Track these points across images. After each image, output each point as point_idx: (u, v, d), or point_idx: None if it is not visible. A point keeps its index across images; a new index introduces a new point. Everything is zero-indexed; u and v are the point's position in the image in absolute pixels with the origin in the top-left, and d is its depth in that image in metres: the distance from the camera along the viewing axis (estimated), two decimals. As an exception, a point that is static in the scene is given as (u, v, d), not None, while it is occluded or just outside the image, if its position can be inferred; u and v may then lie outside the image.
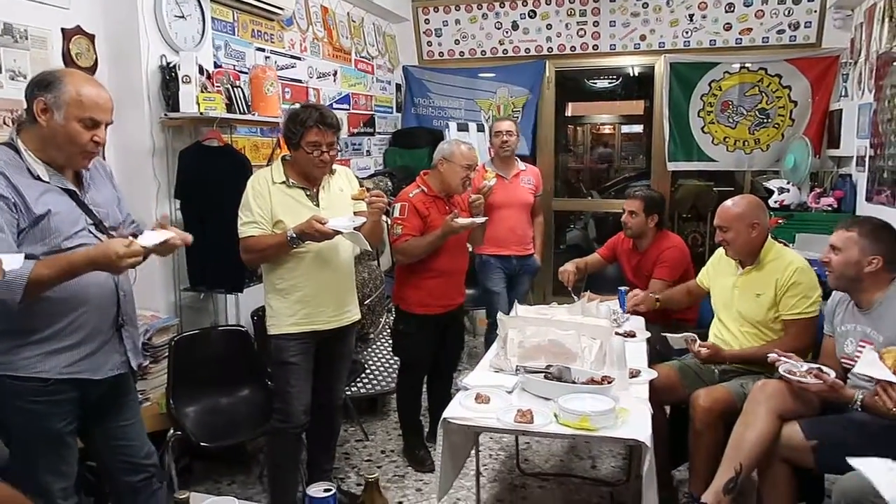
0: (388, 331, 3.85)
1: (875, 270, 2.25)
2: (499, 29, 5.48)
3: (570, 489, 2.97)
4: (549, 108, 5.68)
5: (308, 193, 2.53)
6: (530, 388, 2.26)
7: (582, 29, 5.27)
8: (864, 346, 2.26)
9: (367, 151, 5.33)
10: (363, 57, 5.15)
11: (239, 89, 3.28)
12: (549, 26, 5.34)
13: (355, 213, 2.56)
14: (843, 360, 2.36)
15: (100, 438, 2.06)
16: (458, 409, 2.13)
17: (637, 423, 2.00)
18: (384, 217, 2.92)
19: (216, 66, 3.42)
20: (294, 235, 2.39)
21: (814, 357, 2.53)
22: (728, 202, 2.76)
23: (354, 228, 2.40)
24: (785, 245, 4.18)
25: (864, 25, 4.31)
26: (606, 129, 10.41)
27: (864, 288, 2.28)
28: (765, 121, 5.00)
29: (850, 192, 4.41)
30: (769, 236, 2.75)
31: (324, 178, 2.57)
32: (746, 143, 5.06)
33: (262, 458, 3.06)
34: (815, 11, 4.74)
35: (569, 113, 9.39)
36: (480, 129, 5.38)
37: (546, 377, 2.26)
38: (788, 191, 4.62)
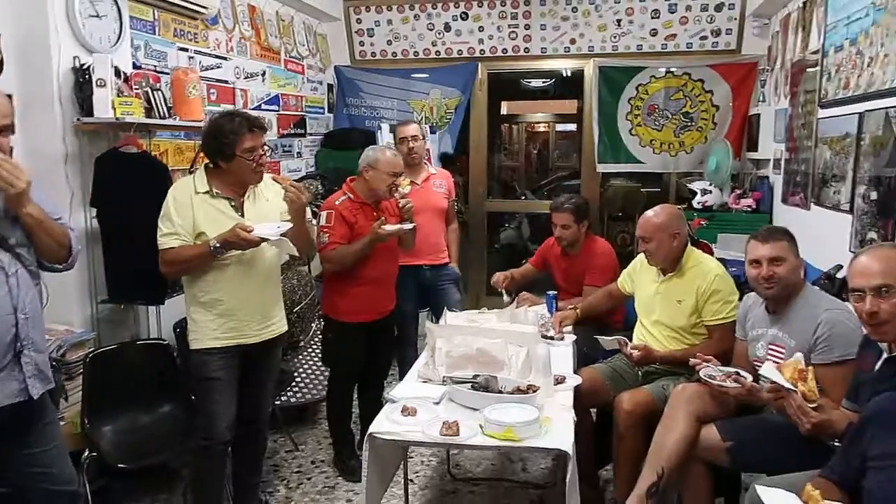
0: (319, 337, 3.80)
1: (800, 273, 2.35)
2: (431, 30, 5.46)
3: (500, 493, 3.00)
4: (481, 110, 5.71)
5: (233, 204, 2.46)
6: (457, 399, 2.27)
7: (513, 32, 5.31)
8: (773, 349, 2.36)
9: (298, 153, 5.24)
10: (293, 57, 5.05)
11: (159, 92, 3.16)
12: (481, 28, 5.36)
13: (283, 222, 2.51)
14: (754, 363, 2.45)
15: (14, 465, 1.94)
16: (385, 423, 2.12)
17: (560, 432, 2.03)
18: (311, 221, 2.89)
19: (135, 67, 3.29)
20: (217, 245, 2.32)
21: (727, 360, 2.62)
22: (649, 213, 2.83)
23: (281, 235, 2.35)
24: (707, 246, 4.37)
25: (780, 34, 4.49)
26: (541, 128, 10.58)
27: (788, 294, 2.35)
28: (689, 124, 5.16)
29: (768, 193, 4.60)
30: (688, 244, 2.83)
31: (249, 188, 2.50)
32: (672, 146, 5.21)
33: (186, 474, 2.97)
34: (735, 19, 4.91)
35: (504, 112, 9.50)
36: (413, 130, 5.35)
37: (472, 387, 2.27)
38: (711, 192, 4.78)
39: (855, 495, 1.54)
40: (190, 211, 2.38)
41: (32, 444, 1.95)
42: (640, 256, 2.98)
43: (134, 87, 3.06)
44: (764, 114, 4.76)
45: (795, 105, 4.09)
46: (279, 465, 3.30)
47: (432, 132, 5.48)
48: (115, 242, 2.95)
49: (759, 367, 2.39)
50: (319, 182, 4.62)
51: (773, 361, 2.33)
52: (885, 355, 1.83)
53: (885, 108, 2.88)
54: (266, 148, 2.46)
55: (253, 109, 4.56)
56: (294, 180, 4.74)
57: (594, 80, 5.18)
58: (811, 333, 2.21)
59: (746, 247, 2.42)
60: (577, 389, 2.50)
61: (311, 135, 5.42)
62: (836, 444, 1.86)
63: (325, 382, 3.54)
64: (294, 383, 3.66)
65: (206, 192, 2.42)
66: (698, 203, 4.74)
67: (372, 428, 2.09)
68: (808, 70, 3.86)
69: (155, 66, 3.52)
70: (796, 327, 2.28)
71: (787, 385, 1.89)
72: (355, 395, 3.33)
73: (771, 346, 2.37)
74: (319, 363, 3.75)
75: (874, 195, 2.96)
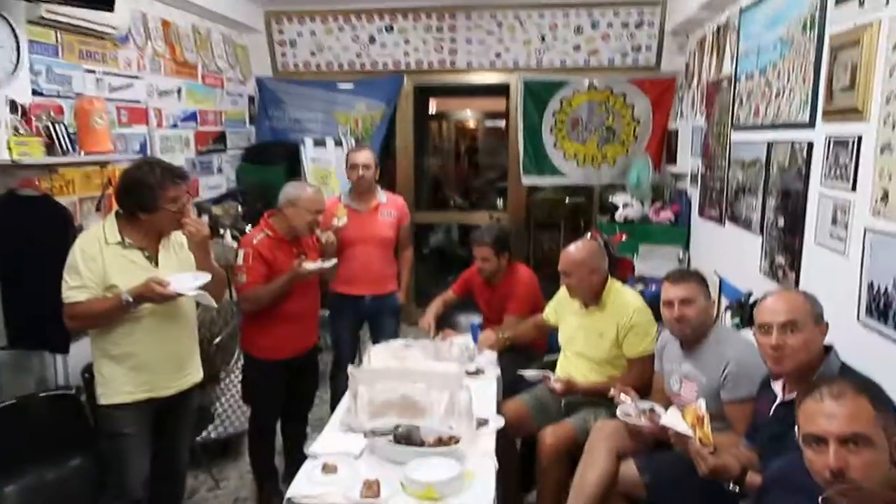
0: (240, 368, 3.69)
1: (711, 314, 2.43)
2: (356, 42, 5.38)
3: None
4: (407, 121, 5.66)
5: (147, 254, 2.36)
6: (379, 453, 2.24)
7: (440, 45, 5.29)
8: (688, 384, 2.43)
9: (219, 169, 5.07)
10: (211, 71, 4.87)
11: (61, 125, 2.98)
12: (406, 41, 5.32)
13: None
14: (670, 397, 2.52)
15: None
16: (304, 485, 2.07)
17: (481, 488, 2.03)
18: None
19: (36, 93, 3.07)
20: (130, 300, 2.22)
21: (647, 390, 2.69)
22: (570, 248, 2.87)
23: (199, 287, 2.27)
24: (628, 262, 4.48)
25: (697, 53, 4.62)
26: (470, 124, 10.62)
27: (700, 332, 2.43)
28: (611, 137, 5.26)
29: (686, 206, 4.75)
30: (608, 278, 2.88)
31: (164, 237, 2.41)
32: (595, 159, 5.30)
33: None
34: (654, 37, 5.04)
35: (432, 110, 9.49)
36: (338, 143, 5.27)
37: (394, 438, 2.25)
38: (632, 206, 4.89)
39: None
40: (100, 263, 2.27)
41: None
42: (562, 290, 3.02)
43: (34, 120, 2.88)
44: (682, 129, 4.90)
45: (711, 123, 4.22)
46: (200, 505, 3.20)
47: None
48: (12, 288, 2.78)
49: (676, 400, 2.48)
50: (239, 203, 4.49)
51: (687, 398, 2.42)
52: (778, 399, 1.90)
53: (790, 141, 3.00)
54: (188, 197, 2.38)
55: (169, 128, 4.39)
56: (213, 200, 4.64)
57: (519, 93, 5.22)
58: (720, 371, 2.30)
59: (662, 287, 2.49)
60: (503, 419, 2.55)
61: (231, 149, 5.26)
62: (731, 486, 1.94)
63: (248, 414, 3.45)
64: (215, 416, 3.56)
65: (118, 243, 2.31)
66: (620, 216, 4.85)
67: (290, 492, 2.05)
68: (723, 91, 3.99)
69: (59, 90, 3.31)
70: (707, 364, 2.37)
71: (687, 431, 1.96)
72: (278, 428, 3.25)
73: (685, 381, 2.45)
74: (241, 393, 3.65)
75: (781, 222, 3.09)
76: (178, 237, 2.47)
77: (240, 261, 2.89)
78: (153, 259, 2.38)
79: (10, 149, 2.66)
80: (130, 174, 2.34)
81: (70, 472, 2.66)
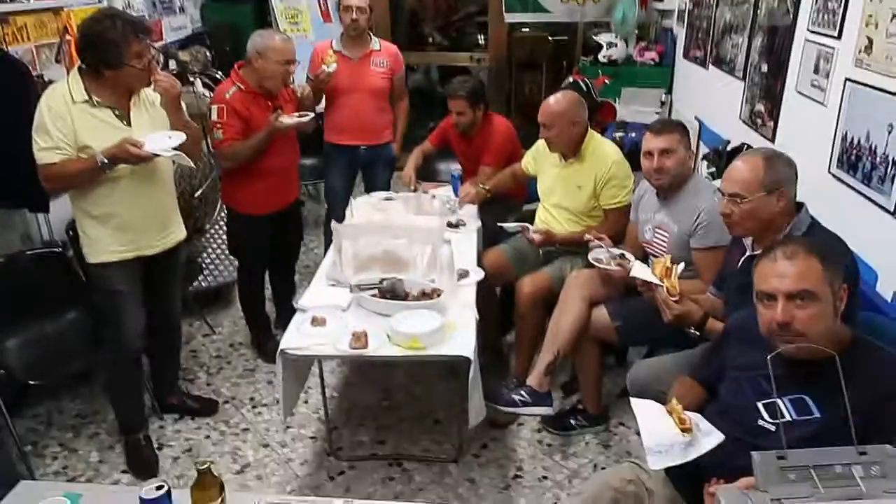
0: (224, 218, 3.73)
1: (688, 166, 2.46)
2: None
3: (414, 363, 3.18)
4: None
5: (117, 113, 2.28)
6: (365, 306, 2.35)
7: None
8: (659, 233, 2.53)
9: (181, 8, 4.76)
10: None
11: (4, -35, 2.74)
12: None
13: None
14: (644, 245, 2.63)
15: None
16: (295, 338, 2.19)
17: (462, 337, 2.17)
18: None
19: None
20: (106, 161, 2.17)
21: (621, 240, 2.78)
22: (550, 100, 2.82)
23: (174, 148, 2.22)
24: (611, 106, 4.43)
25: None
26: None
27: (677, 182, 2.47)
28: (597, -31, 4.96)
29: (671, 46, 4.62)
30: (588, 129, 2.87)
31: (134, 94, 2.32)
32: (580, -6, 5.03)
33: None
34: None
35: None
36: (308, -22, 4.93)
37: (379, 292, 2.35)
38: (616, 45, 4.74)
39: (714, 396, 1.76)
40: (69, 122, 2.18)
41: None
42: (539, 142, 3.01)
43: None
44: (672, -39, 4.62)
45: (702, -44, 3.99)
46: (197, 350, 3.38)
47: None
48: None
49: (648, 249, 2.59)
50: (207, 46, 4.27)
51: (658, 245, 2.52)
52: (747, 252, 2.00)
53: (782, -21, 2.87)
54: (155, 51, 2.26)
55: (120, -38, 4.04)
56: (179, 44, 4.41)
57: (500, -81, 4.82)
58: (692, 220, 2.37)
59: (643, 137, 2.49)
60: (484, 268, 2.68)
61: (193, -16, 4.90)
62: (692, 330, 2.10)
63: (236, 263, 3.54)
64: (204, 266, 3.66)
65: (86, 101, 2.21)
66: (604, 57, 4.71)
67: (283, 343, 2.16)
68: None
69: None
70: (680, 214, 2.44)
71: (655, 280, 2.07)
72: (267, 277, 3.36)
73: (657, 230, 2.54)
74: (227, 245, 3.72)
75: (765, 67, 3.04)
76: (148, 94, 2.38)
77: (213, 117, 2.81)
78: (124, 118, 2.30)
79: (-47, -3, 2.47)
80: (91, 28, 2.19)
81: (67, 325, 2.76)
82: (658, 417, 1.58)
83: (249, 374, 3.18)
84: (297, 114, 2.87)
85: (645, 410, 1.62)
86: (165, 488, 1.40)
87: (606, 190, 2.80)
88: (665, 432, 1.56)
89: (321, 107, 3.62)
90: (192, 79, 3.96)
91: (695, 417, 1.61)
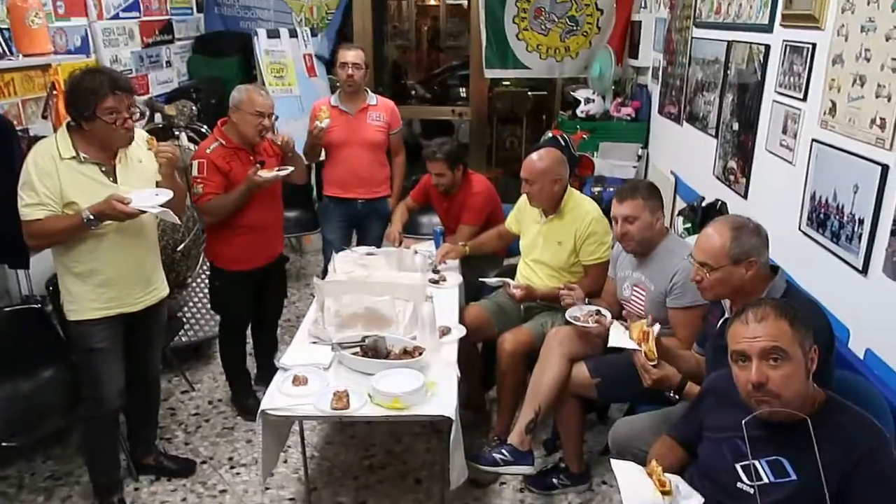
0: (207, 273, 3.73)
1: (659, 227, 2.51)
2: (305, -80, 5.02)
3: (394, 422, 3.17)
4: (364, 7, 5.41)
5: (104, 169, 2.29)
6: (347, 364, 2.34)
7: (395, -75, 4.97)
8: (637, 291, 2.56)
9: (168, 62, 4.85)
10: (149, -46, 4.53)
11: (-7, 26, 2.80)
12: (360, -80, 4.98)
13: (158, 184, 2.39)
14: (622, 302, 2.66)
15: None
16: (277, 398, 2.17)
17: (443, 396, 2.17)
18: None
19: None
20: (91, 217, 2.17)
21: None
22: (534, 156, 2.89)
23: (161, 205, 2.23)
24: (588, 160, 4.52)
25: (662, -61, 4.45)
26: (431, 1, 10.16)
27: (650, 243, 2.52)
28: (574, 28, 5.14)
29: (646, 102, 4.75)
30: (568, 187, 2.93)
31: (121, 150, 2.33)
32: (558, 51, 5.20)
33: (80, 427, 2.93)
34: (620, -81, 4.80)
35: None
36: (293, 34, 5.05)
37: (361, 350, 2.35)
38: (593, 101, 4.88)
39: (694, 456, 1.77)
40: (55, 179, 2.18)
41: None
42: (523, 198, 3.07)
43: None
44: (645, 21, 4.79)
45: (674, 17, 4.15)
46: (175, 408, 3.32)
47: (314, 35, 5.21)
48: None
49: (626, 306, 2.63)
50: (193, 100, 4.33)
51: (636, 303, 2.56)
52: (725, 314, 2.04)
53: (748, 42, 3.00)
54: (135, 110, 2.27)
55: (110, 19, 4.15)
56: (165, 99, 4.47)
57: (480, -20, 5.00)
58: (668, 280, 2.41)
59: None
60: (465, 324, 2.68)
61: (179, 40, 5.01)
62: (671, 394, 2.11)
63: (217, 317, 3.52)
64: (185, 321, 3.63)
65: (73, 158, 2.22)
66: (582, 112, 4.84)
67: (264, 404, 2.15)
68: (686, -18, 3.90)
69: (-15, -15, 3.08)
70: (656, 273, 2.48)
71: (633, 346, 2.09)
72: (249, 333, 3.35)
73: (635, 288, 2.58)
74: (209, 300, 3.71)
75: (736, 126, 3.15)
76: (135, 151, 2.40)
77: (194, 172, 2.83)
78: (111, 174, 2.30)
79: (-59, 57, 2.51)
80: (73, 79, 2.23)
81: (43, 383, 2.72)
82: (638, 479, 1.59)
83: (228, 432, 3.13)
84: (276, 168, 2.88)
85: (625, 472, 1.63)
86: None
87: (586, 246, 2.84)
88: (645, 494, 1.57)
89: (321, 157, 3.68)
90: (177, 132, 4.00)
91: (675, 479, 1.62)
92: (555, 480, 2.68)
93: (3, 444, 2.49)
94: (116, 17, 4.20)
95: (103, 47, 4.08)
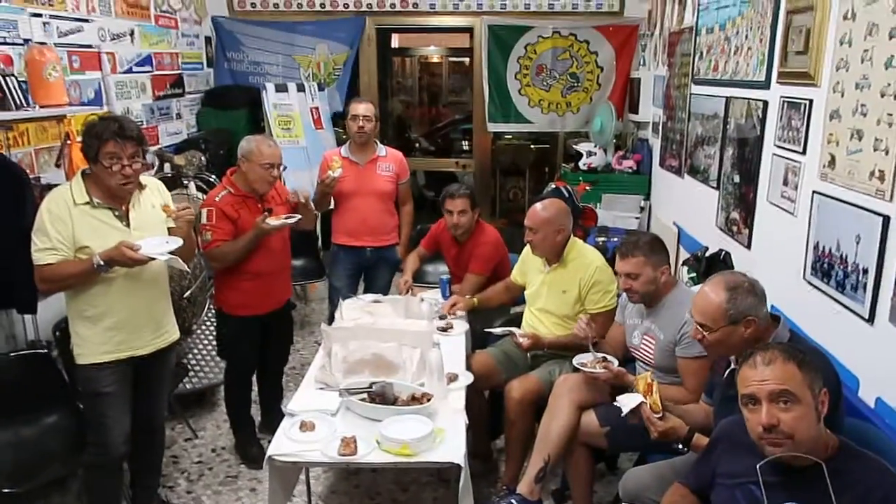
0: (213, 318, 3.74)
1: (665, 279, 2.54)
2: (314, -20, 5.22)
3: (401, 469, 3.13)
4: (370, 67, 5.57)
5: (116, 214, 2.34)
6: (354, 410, 2.34)
7: (401, -15, 5.17)
8: (646, 339, 2.57)
9: (178, 114, 4.95)
10: (164, 11, 4.69)
11: (12, 78, 2.88)
12: (367, -19, 5.18)
13: (170, 230, 2.43)
14: (631, 350, 2.67)
15: None
16: (284, 443, 2.16)
17: (452, 443, 2.15)
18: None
19: (-21, 41, 2.96)
20: (102, 263, 2.22)
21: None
22: (538, 206, 2.94)
23: (170, 252, 2.27)
24: (592, 211, 4.58)
25: (659, 1, 4.62)
26: (434, 58, 10.45)
27: (657, 294, 2.55)
28: (575, 84, 5.29)
29: (647, 155, 4.85)
30: (571, 236, 2.98)
31: (133, 196, 2.38)
32: (559, 106, 5.34)
33: (80, 474, 2.89)
34: (618, -19, 5.01)
35: (395, 45, 9.28)
36: (300, 88, 5.18)
37: (369, 396, 2.35)
38: (595, 154, 4.98)
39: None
40: (69, 225, 2.24)
41: None
42: (527, 248, 3.11)
43: (-17, 73, 2.78)
44: (644, 78, 4.94)
45: (672, 74, 4.28)
46: (178, 455, 3.29)
47: (321, 89, 5.34)
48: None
49: (635, 355, 2.63)
50: (202, 151, 4.42)
51: (645, 351, 2.56)
52: (732, 365, 2.04)
53: (746, 99, 3.09)
54: (138, 160, 2.31)
55: (123, 73, 4.26)
56: (175, 149, 4.56)
57: (483, 38, 5.17)
58: (678, 330, 2.43)
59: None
60: (472, 371, 2.68)
61: (190, 93, 5.13)
62: (679, 447, 2.10)
63: (222, 365, 3.51)
64: (190, 368, 3.62)
65: (87, 203, 2.28)
66: (584, 164, 4.94)
67: (271, 450, 2.13)
68: (684, 42, 4.03)
69: (4, 37, 3.17)
70: (665, 323, 2.50)
71: (639, 400, 2.07)
72: (254, 380, 3.33)
73: (644, 336, 2.59)
74: (214, 344, 3.71)
75: (737, 178, 3.21)
76: (148, 196, 2.45)
77: (203, 220, 2.88)
78: (123, 218, 2.35)
79: (-41, 108, 2.58)
80: (87, 123, 2.32)
81: (47, 429, 2.70)
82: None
83: (232, 480, 3.09)
84: (284, 216, 2.92)
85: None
86: None
87: (591, 295, 2.87)
88: None
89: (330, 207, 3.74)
90: (186, 182, 4.07)
91: None
92: (564, 532, 2.64)
93: (5, 490, 2.46)
94: (129, 70, 4.32)
95: (116, 100, 4.16)
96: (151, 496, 2.78)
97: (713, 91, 3.54)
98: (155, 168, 4.26)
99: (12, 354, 2.76)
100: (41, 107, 3.00)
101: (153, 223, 2.43)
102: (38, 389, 2.73)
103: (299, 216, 2.97)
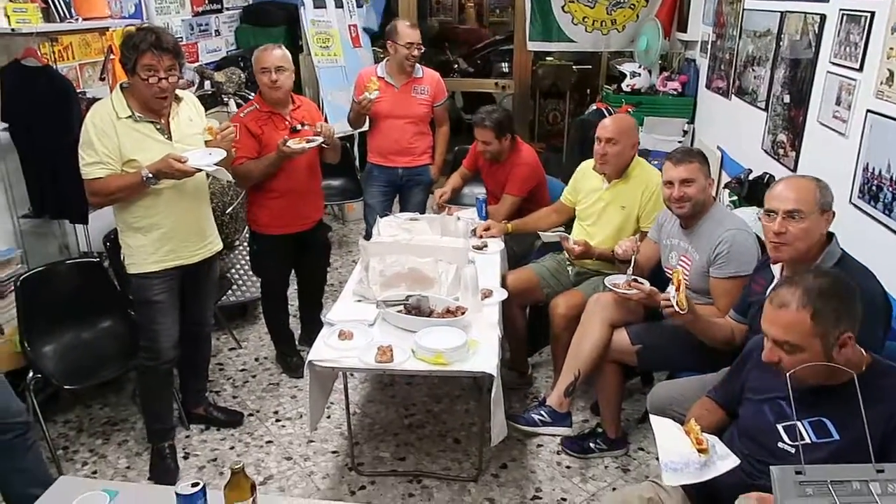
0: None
1: (710, 193, 2.50)
2: None
3: (434, 383, 3.25)
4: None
5: (158, 127, 2.38)
6: (391, 321, 2.41)
7: None
8: (683, 260, 2.56)
9: (216, 31, 4.94)
10: (203, -77, 4.60)
11: (56, -12, 2.90)
12: None
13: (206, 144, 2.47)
14: (666, 269, 2.66)
15: None
16: (323, 350, 2.25)
17: (485, 354, 2.21)
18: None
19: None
20: (150, 175, 2.27)
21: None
22: (615, 118, 2.97)
23: (215, 164, 2.33)
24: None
25: None
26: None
27: (701, 209, 2.49)
28: (622, 1, 5.06)
29: (694, 76, 4.67)
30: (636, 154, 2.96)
31: (172, 109, 2.41)
32: (604, 24, 5.13)
33: (133, 377, 3.06)
34: None
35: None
36: (339, 5, 5.09)
37: (405, 308, 2.41)
38: (640, 75, 4.81)
39: (734, 418, 1.79)
40: (114, 138, 2.28)
41: None
42: (583, 166, 3.11)
43: (27, -16, 2.80)
44: (695, -7, 4.70)
45: (725, -12, 4.07)
46: (224, 363, 3.45)
47: (359, 6, 5.23)
48: (30, 159, 2.84)
49: (670, 273, 2.62)
50: (241, 69, 4.41)
51: (683, 269, 2.56)
52: (775, 280, 2.03)
53: (803, 12, 2.93)
54: (174, 73, 2.31)
55: (163, -14, 4.23)
56: (214, 66, 4.56)
57: (527, -49, 4.95)
58: (713, 249, 2.41)
59: (663, 167, 2.54)
60: (513, 288, 2.70)
61: (228, 9, 5.08)
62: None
63: (262, 281, 3.61)
64: (233, 281, 3.74)
65: (129, 117, 2.31)
66: (627, 86, 4.78)
67: (311, 356, 2.23)
68: (740, -47, 3.81)
69: (47, -51, 3.18)
70: (702, 242, 2.47)
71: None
72: (293, 292, 3.43)
73: (682, 258, 2.57)
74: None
75: (787, 98, 3.09)
76: (186, 111, 2.48)
77: None
78: (165, 131, 2.39)
79: (7, 16, 2.61)
80: (126, 33, 2.33)
81: (102, 333, 2.85)
82: (676, 436, 1.62)
83: (274, 388, 3.24)
84: (305, 139, 2.87)
85: (663, 428, 1.66)
86: (201, 485, 1.46)
87: (650, 210, 2.85)
88: (681, 450, 1.59)
89: (365, 127, 3.73)
90: (226, 99, 4.09)
91: (712, 439, 1.64)
92: (592, 445, 2.71)
93: (66, 387, 2.63)
94: (168, -19, 4.29)
95: (155, 14, 4.17)
96: (200, 399, 2.94)
97: (768, 6, 3.36)
98: (195, 85, 4.28)
99: (68, 261, 2.87)
100: (84, 19, 3.01)
101: (192, 135, 2.46)
102: (93, 296, 2.86)
103: (320, 139, 2.90)
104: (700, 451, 1.60)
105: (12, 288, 2.68)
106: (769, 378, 1.62)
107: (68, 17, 2.97)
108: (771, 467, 1.22)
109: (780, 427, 1.60)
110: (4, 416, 2.08)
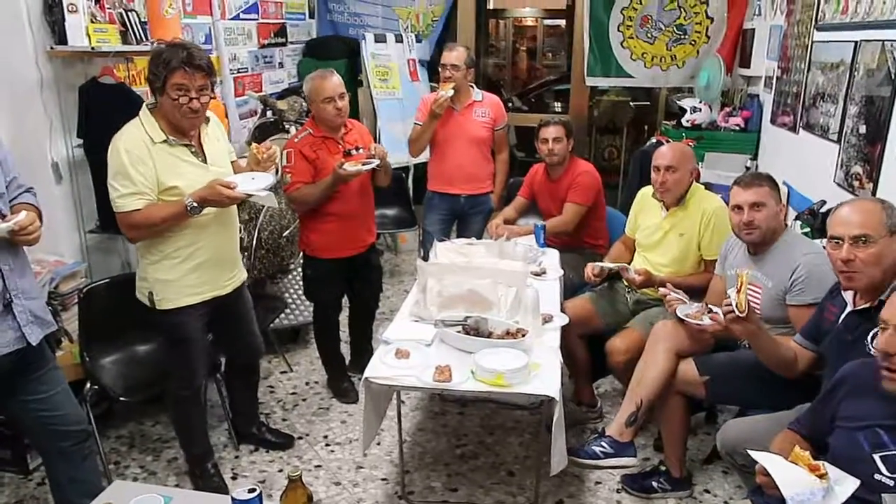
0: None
1: (781, 218, 2.40)
2: (416, -69, 5.17)
3: (487, 414, 3.16)
4: (467, 21, 5.50)
5: (192, 150, 2.25)
6: (449, 341, 2.34)
7: (504, -67, 5.04)
8: (752, 289, 2.43)
9: (280, 63, 5.08)
10: (270, -40, 4.79)
11: (133, 13, 3.01)
12: (468, -69, 5.09)
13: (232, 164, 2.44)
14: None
15: (18, 411, 2.03)
16: (380, 368, 2.19)
17: (547, 378, 2.12)
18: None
19: (105, -18, 3.11)
20: (195, 205, 2.15)
21: (701, 294, 2.68)
22: (673, 146, 2.92)
23: (264, 189, 2.25)
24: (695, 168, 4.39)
25: (781, -57, 4.30)
26: (529, 22, 10.25)
27: (771, 236, 2.40)
28: (682, 37, 5.03)
29: (757, 112, 4.57)
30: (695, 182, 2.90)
31: (202, 129, 2.31)
32: (663, 60, 5.10)
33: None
34: (734, -77, 4.69)
35: (490, 6, 9.16)
36: (399, 39, 5.18)
37: (464, 329, 2.34)
38: (700, 110, 4.73)
39: (820, 450, 1.65)
40: (150, 165, 2.13)
41: (39, 390, 2.01)
42: (641, 193, 3.06)
43: (107, 7, 2.92)
44: (758, 28, 4.63)
45: (791, 23, 3.99)
46: (275, 386, 3.42)
47: (418, 41, 5.33)
48: (101, 174, 2.91)
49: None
50: (303, 99, 4.50)
51: (750, 302, 2.43)
52: (848, 308, 1.90)
53: (881, 41, 2.83)
54: (208, 94, 2.19)
55: (231, 19, 4.39)
56: (277, 95, 4.67)
57: (586, -12, 4.99)
58: (788, 276, 2.29)
59: (730, 192, 2.45)
60: (570, 318, 2.61)
61: (292, 43, 5.24)
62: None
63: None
64: (287, 304, 3.74)
65: (164, 142, 2.17)
66: (687, 121, 4.71)
67: (367, 372, 2.17)
68: (808, -13, 3.74)
69: (126, -23, 3.32)
70: (775, 269, 2.36)
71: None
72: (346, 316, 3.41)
73: (751, 286, 2.45)
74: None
75: (863, 129, 2.97)
76: (214, 132, 2.39)
77: (285, 161, 2.91)
78: (199, 154, 2.27)
79: (88, 36, 2.71)
80: (154, 49, 2.20)
81: (156, 349, 2.85)
82: (788, 467, 1.49)
83: (324, 412, 3.19)
84: (361, 162, 2.87)
85: (772, 461, 1.53)
86: (258, 491, 1.41)
87: (708, 236, 2.77)
88: (803, 480, 1.47)
89: (425, 156, 3.72)
90: (287, 126, 4.17)
91: (824, 464, 1.50)
92: (654, 484, 2.57)
93: (122, 398, 2.64)
94: (237, 17, 4.44)
95: (224, 45, 4.31)
96: (251, 420, 2.91)
97: (839, 36, 3.27)
98: (258, 113, 4.38)
99: (128, 276, 2.89)
100: (159, 42, 3.11)
101: (222, 156, 2.39)
102: (146, 312, 2.87)
103: (377, 161, 2.88)
104: (819, 476, 1.47)
105: (76, 300, 2.72)
106: (865, 405, 1.51)
107: (144, 39, 3.08)
108: (883, 495, 1.10)
109: (876, 457, 1.47)
110: (65, 423, 2.07)
